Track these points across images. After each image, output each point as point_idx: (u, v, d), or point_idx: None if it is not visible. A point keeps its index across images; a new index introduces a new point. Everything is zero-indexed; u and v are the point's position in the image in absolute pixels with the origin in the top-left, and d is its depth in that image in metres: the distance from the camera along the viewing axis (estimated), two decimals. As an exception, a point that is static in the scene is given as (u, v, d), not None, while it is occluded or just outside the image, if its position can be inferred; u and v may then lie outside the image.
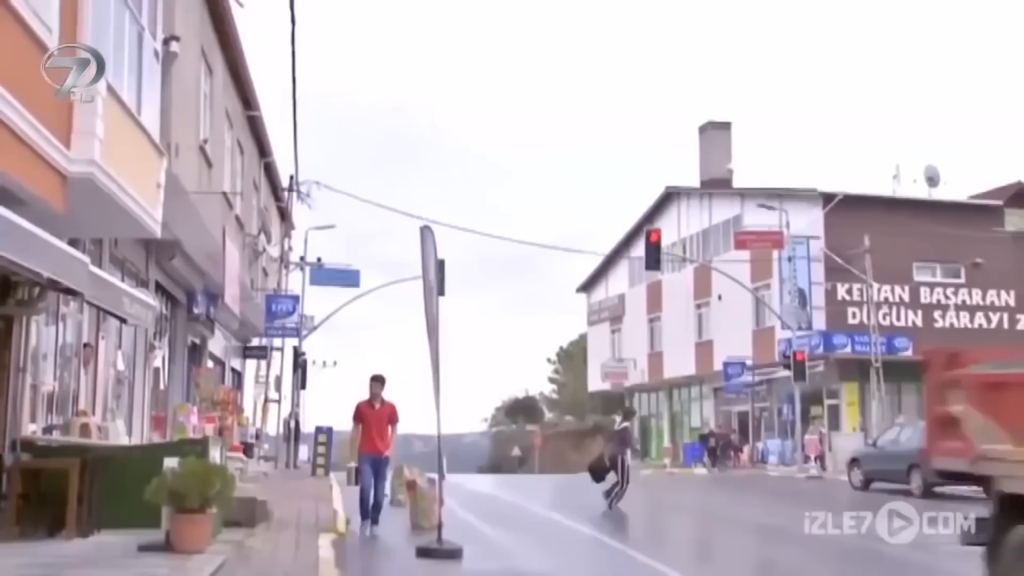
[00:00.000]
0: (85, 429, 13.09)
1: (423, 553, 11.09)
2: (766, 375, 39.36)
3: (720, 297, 42.16)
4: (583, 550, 13.25)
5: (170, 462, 9.86)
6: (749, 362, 39.74)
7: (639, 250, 44.73)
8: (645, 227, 41.90)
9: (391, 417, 13.49)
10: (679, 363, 45.94)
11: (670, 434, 48.69)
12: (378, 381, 13.53)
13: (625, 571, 11.15)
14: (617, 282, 53.05)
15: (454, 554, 11.12)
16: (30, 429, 11.72)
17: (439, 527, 11.51)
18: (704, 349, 44.04)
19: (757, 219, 37.69)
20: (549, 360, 77.00)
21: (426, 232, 11.70)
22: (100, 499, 10.40)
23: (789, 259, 36.00)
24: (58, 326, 13.54)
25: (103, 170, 9.77)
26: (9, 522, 9.93)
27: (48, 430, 12.22)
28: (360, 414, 13.34)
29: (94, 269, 9.90)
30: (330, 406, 72.93)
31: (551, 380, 76.86)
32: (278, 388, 33.70)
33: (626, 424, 19.98)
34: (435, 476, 14.71)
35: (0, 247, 7.11)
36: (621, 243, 50.58)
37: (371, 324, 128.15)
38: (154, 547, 9.48)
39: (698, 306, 44.92)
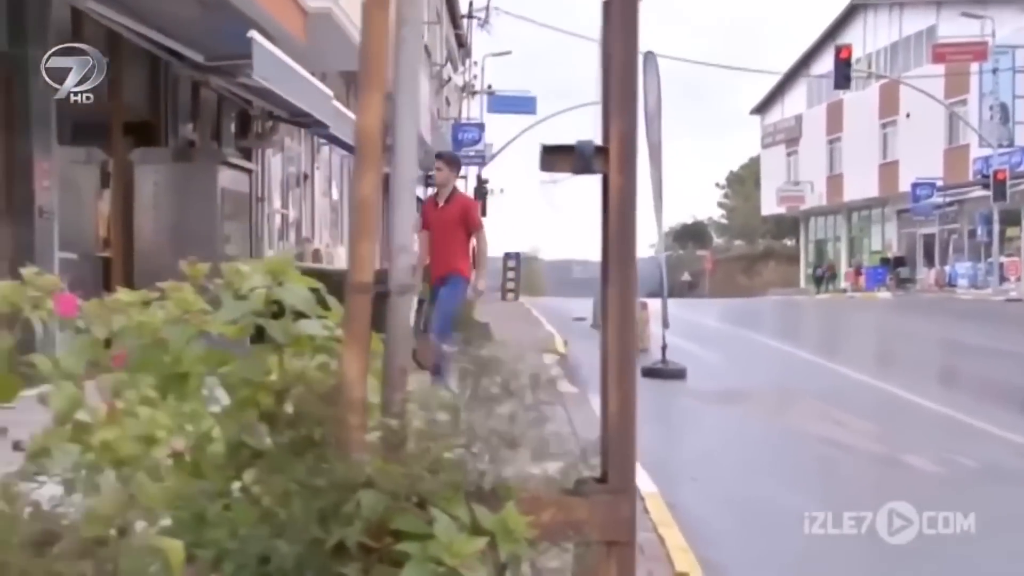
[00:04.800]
0: (316, 255, 13.93)
1: (649, 373, 11.37)
2: (957, 196, 37.54)
3: (908, 115, 40.04)
4: (793, 367, 13.42)
5: (411, 284, 10.40)
6: (939, 183, 37.94)
7: (819, 68, 42.74)
8: (828, 43, 39.79)
9: (465, 218, 8.32)
10: (860, 185, 44.27)
11: (848, 258, 47.51)
12: (445, 161, 8.55)
13: (835, 382, 11.35)
14: (794, 103, 50.97)
15: (679, 374, 11.42)
16: (268, 254, 12.55)
17: (663, 348, 11.77)
18: (888, 170, 42.24)
19: (953, 30, 35.11)
20: (718, 185, 75.42)
21: (648, 57, 11.49)
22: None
23: (993, 71, 33.60)
24: (283, 158, 14.24)
25: (338, 3, 10.00)
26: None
27: (285, 256, 13.01)
28: (423, 217, 8.30)
29: (335, 103, 10.27)
30: (503, 234, 74.41)
31: (720, 205, 75.45)
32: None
33: None
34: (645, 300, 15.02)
35: (277, 85, 7.46)
36: (799, 62, 48.33)
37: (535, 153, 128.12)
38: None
39: (883, 125, 42.84)
